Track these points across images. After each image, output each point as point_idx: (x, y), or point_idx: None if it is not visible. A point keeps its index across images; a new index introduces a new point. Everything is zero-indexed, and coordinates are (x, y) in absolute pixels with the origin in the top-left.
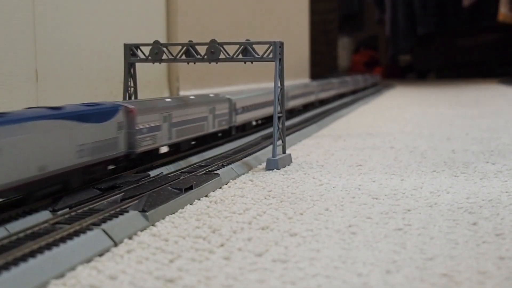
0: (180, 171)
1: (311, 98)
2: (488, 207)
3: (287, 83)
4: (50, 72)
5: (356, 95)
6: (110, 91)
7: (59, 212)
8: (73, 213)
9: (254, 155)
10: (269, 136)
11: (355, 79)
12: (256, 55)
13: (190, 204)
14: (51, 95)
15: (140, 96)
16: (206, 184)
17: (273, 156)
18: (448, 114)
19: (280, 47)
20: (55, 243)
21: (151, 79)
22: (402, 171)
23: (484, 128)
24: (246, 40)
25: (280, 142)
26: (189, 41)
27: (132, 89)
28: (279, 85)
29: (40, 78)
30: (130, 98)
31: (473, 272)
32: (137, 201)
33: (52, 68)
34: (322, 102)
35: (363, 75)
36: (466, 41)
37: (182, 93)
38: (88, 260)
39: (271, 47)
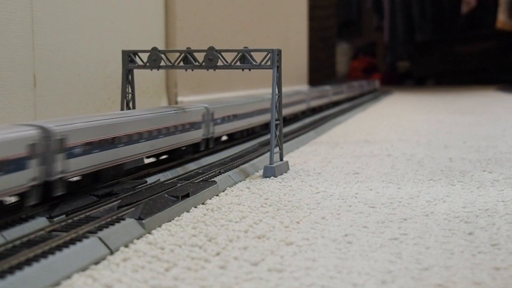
0: (177, 178)
1: (326, 100)
2: (484, 216)
3: (286, 89)
4: (48, 77)
5: (355, 101)
6: (107, 97)
7: (56, 219)
8: (69, 221)
9: (251, 162)
10: (267, 143)
11: (360, 84)
12: (254, 63)
13: (187, 212)
14: (49, 100)
15: (138, 102)
16: (203, 191)
17: (270, 164)
18: (446, 121)
19: (278, 54)
20: (51, 251)
21: (149, 85)
22: (399, 179)
23: (482, 136)
24: (244, 47)
25: (277, 149)
26: (187, 48)
27: (130, 95)
28: (276, 92)
29: (38, 84)
30: (128, 104)
31: (468, 282)
32: (133, 208)
33: (50, 74)
34: (334, 104)
35: (360, 81)
36: (464, 48)
37: (180, 99)
38: (84, 269)
39: (269, 55)
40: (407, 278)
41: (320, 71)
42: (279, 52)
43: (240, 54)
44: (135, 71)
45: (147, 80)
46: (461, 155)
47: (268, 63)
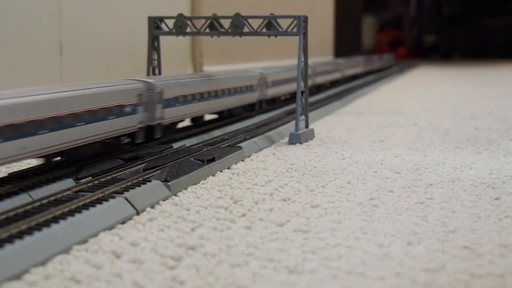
0: (202, 144)
1: (337, 75)
2: (511, 182)
3: (313, 59)
4: (74, 45)
5: (377, 75)
6: (133, 66)
7: (82, 181)
8: (96, 182)
9: (277, 129)
10: (292, 112)
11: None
12: (280, 29)
13: (212, 176)
14: (75, 68)
15: (164, 70)
16: (228, 156)
17: (295, 131)
18: (472, 93)
19: (304, 21)
20: (78, 210)
21: (175, 54)
22: (425, 147)
23: (508, 107)
24: (271, 14)
25: (303, 117)
26: (213, 14)
27: (155, 62)
28: (302, 59)
29: (64, 51)
30: (153, 71)
31: (495, 245)
32: (159, 171)
33: (76, 41)
34: (348, 80)
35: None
36: (492, 21)
37: (205, 68)
38: (111, 227)
39: (295, 21)
40: (433, 240)
41: (345, 44)
42: (305, 18)
43: (267, 20)
44: (162, 40)
45: (173, 49)
46: (487, 125)
47: (295, 29)
